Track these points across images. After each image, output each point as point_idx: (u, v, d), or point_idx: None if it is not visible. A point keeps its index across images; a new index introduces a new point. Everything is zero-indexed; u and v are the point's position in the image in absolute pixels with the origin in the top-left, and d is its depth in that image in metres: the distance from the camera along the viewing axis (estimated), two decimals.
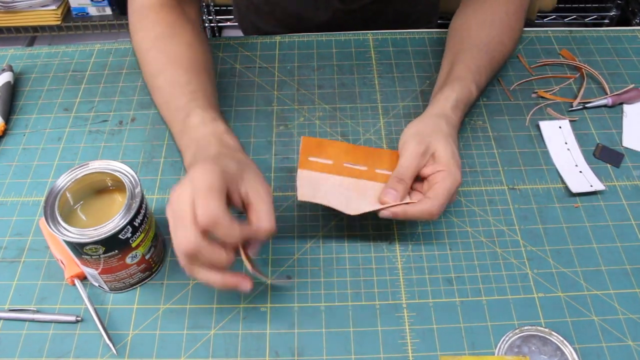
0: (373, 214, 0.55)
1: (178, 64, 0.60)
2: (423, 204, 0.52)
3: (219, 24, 1.60)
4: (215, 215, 0.43)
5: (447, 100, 0.59)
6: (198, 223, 0.43)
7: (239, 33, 1.04)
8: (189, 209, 0.43)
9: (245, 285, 0.46)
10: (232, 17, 1.57)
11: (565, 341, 0.49)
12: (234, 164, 0.48)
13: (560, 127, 0.66)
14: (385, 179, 0.56)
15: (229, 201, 0.46)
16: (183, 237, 0.43)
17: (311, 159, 0.56)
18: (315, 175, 0.55)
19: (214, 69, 0.68)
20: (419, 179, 0.55)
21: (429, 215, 0.52)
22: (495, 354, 0.49)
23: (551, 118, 0.68)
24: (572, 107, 0.69)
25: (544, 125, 0.67)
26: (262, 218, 0.46)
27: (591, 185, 0.60)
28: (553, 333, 0.50)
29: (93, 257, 0.48)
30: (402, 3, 0.87)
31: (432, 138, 0.55)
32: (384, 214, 0.53)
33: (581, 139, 0.66)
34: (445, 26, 0.74)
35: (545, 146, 0.65)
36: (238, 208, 0.48)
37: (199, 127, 0.53)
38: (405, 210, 0.53)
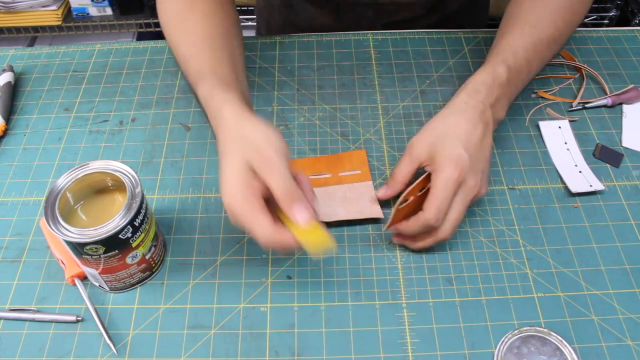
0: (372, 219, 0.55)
1: (190, 38, 0.62)
2: (417, 216, 0.52)
3: None
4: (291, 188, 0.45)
5: (462, 90, 0.58)
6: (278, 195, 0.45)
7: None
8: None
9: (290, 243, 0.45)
10: None
11: (564, 341, 0.49)
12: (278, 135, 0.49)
13: (560, 127, 0.67)
14: (350, 180, 0.60)
15: None
16: (261, 226, 0.45)
17: None
18: None
19: (240, 34, 0.68)
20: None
21: (425, 226, 0.52)
22: (495, 355, 0.49)
23: (551, 118, 0.68)
24: (571, 107, 0.69)
25: (544, 125, 0.67)
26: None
27: (591, 185, 0.60)
28: (552, 333, 0.50)
29: (93, 257, 0.48)
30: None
31: (433, 146, 0.53)
32: (394, 240, 0.56)
33: (581, 139, 0.66)
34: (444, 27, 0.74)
35: (545, 146, 0.65)
36: None
37: (216, 110, 0.53)
38: (406, 225, 0.53)
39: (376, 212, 0.58)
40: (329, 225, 0.58)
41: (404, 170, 0.55)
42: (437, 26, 0.81)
